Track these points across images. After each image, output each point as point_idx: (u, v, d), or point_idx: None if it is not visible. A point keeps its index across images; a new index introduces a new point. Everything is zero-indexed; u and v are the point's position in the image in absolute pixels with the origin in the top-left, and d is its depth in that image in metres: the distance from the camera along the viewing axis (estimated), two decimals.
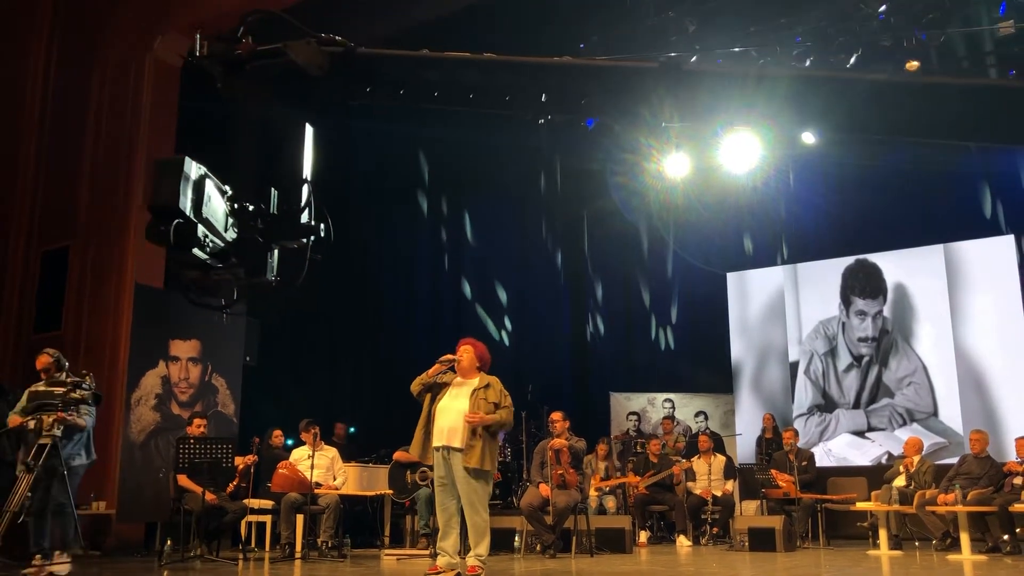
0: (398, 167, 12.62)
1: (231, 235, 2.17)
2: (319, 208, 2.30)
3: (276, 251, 2.27)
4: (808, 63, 10.18)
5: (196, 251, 2.08)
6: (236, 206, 2.20)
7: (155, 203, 2.04)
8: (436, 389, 5.77)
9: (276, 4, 9.08)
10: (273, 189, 2.28)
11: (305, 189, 2.30)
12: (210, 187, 2.10)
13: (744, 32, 10.32)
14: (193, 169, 2.05)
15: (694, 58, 10.26)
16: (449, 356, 5.78)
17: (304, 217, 2.26)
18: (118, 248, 9.12)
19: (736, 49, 10.41)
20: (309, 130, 2.33)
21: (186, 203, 2.03)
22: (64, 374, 6.07)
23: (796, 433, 9.88)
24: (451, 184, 13.37)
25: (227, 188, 2.13)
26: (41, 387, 5.92)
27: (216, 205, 2.14)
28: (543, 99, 2.31)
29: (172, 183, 2.02)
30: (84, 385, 5.84)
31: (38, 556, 5.78)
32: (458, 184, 13.40)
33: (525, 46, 10.47)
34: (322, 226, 2.30)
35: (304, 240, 2.29)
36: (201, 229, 2.08)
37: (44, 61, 10.12)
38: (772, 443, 10.52)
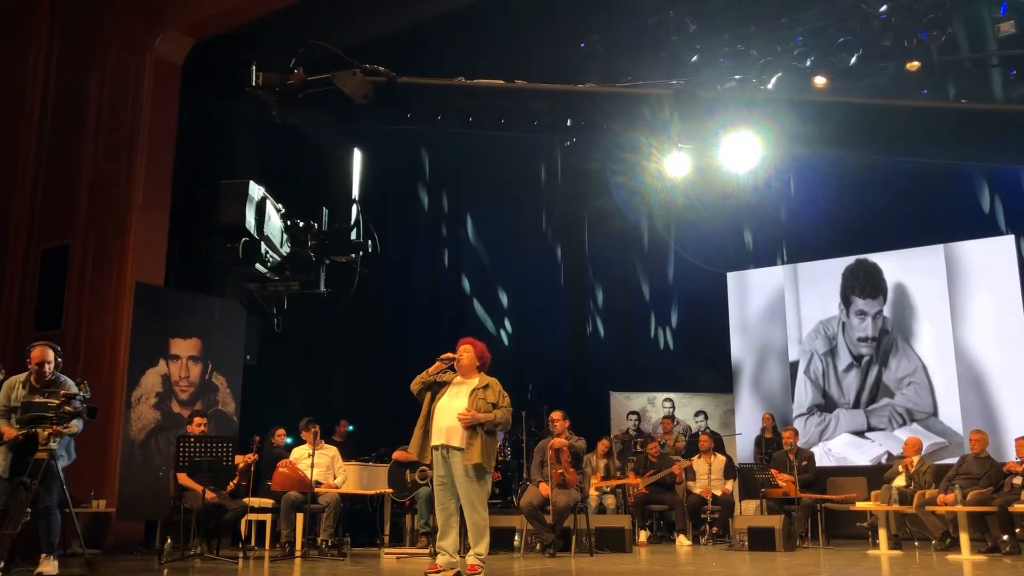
0: (399, 165, 12.62)
1: (285, 250, 2.38)
2: (367, 226, 2.48)
3: (326, 265, 2.48)
4: (808, 63, 10.19)
5: (258, 265, 2.28)
6: (289, 223, 2.39)
7: (223, 223, 2.21)
8: (436, 388, 5.77)
9: (278, 3, 9.10)
10: (324, 208, 2.47)
11: (354, 209, 2.49)
12: (269, 207, 2.30)
13: (745, 32, 10.33)
14: (256, 191, 2.23)
15: (695, 58, 10.26)
16: (449, 355, 5.79)
17: (353, 235, 2.47)
18: (118, 246, 9.13)
19: (738, 48, 10.44)
20: (357, 154, 2.50)
21: (250, 223, 2.22)
22: (53, 369, 5.98)
23: (796, 433, 9.88)
24: (452, 182, 13.37)
25: (280, 206, 2.33)
26: (37, 397, 5.76)
27: (274, 223, 2.34)
28: (568, 123, 2.49)
29: (238, 205, 2.21)
30: (79, 398, 5.78)
31: (43, 555, 5.79)
32: (458, 183, 13.40)
33: (524, 45, 10.49)
34: (369, 242, 2.51)
35: (353, 255, 2.51)
36: (263, 246, 2.27)
37: (44, 59, 10.12)
38: (772, 443, 10.52)
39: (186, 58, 9.73)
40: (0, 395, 6.00)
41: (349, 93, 2.45)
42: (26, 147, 9.92)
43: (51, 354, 5.96)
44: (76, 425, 5.90)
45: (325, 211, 2.47)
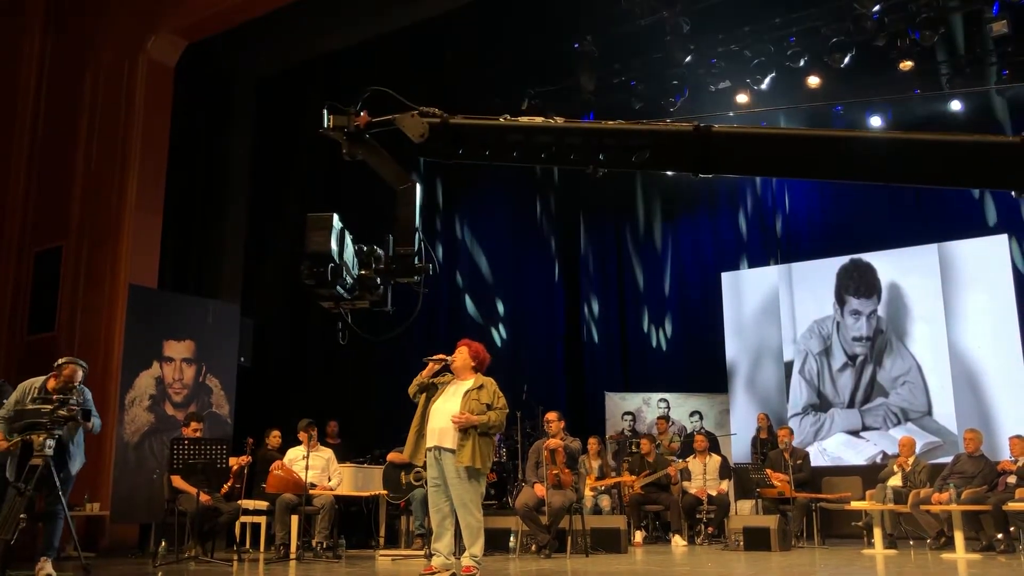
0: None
1: (356, 272, 2.77)
2: (427, 251, 2.91)
3: (391, 286, 2.89)
4: (802, 63, 10.22)
5: (338, 287, 2.68)
6: (356, 248, 2.80)
7: (311, 250, 2.57)
8: (432, 390, 5.76)
9: (271, 5, 9.08)
10: (390, 236, 2.88)
11: (417, 237, 2.90)
12: (346, 235, 2.71)
13: (738, 32, 10.36)
14: (336, 222, 2.63)
15: (688, 58, 10.27)
16: (441, 355, 5.77)
17: (416, 260, 2.88)
18: (111, 248, 9.10)
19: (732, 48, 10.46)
20: (418, 187, 2.94)
21: (334, 250, 2.60)
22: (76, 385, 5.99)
23: (791, 432, 9.90)
24: (446, 179, 13.33)
25: (351, 236, 2.76)
26: (29, 405, 5.75)
27: (349, 250, 2.74)
28: (602, 158, 2.76)
29: (325, 234, 2.59)
30: (72, 401, 5.75)
31: (43, 558, 5.76)
32: (454, 180, 13.36)
33: (521, 44, 10.47)
34: (430, 266, 2.90)
35: (416, 278, 2.89)
36: (343, 270, 2.67)
37: (37, 60, 10.09)
38: (767, 443, 10.53)
39: (179, 59, 9.70)
40: (13, 396, 6.00)
41: (409, 133, 2.79)
42: (19, 149, 9.89)
43: (80, 374, 6.01)
44: (95, 423, 5.95)
45: (390, 238, 2.88)
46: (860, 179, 2.95)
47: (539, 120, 2.81)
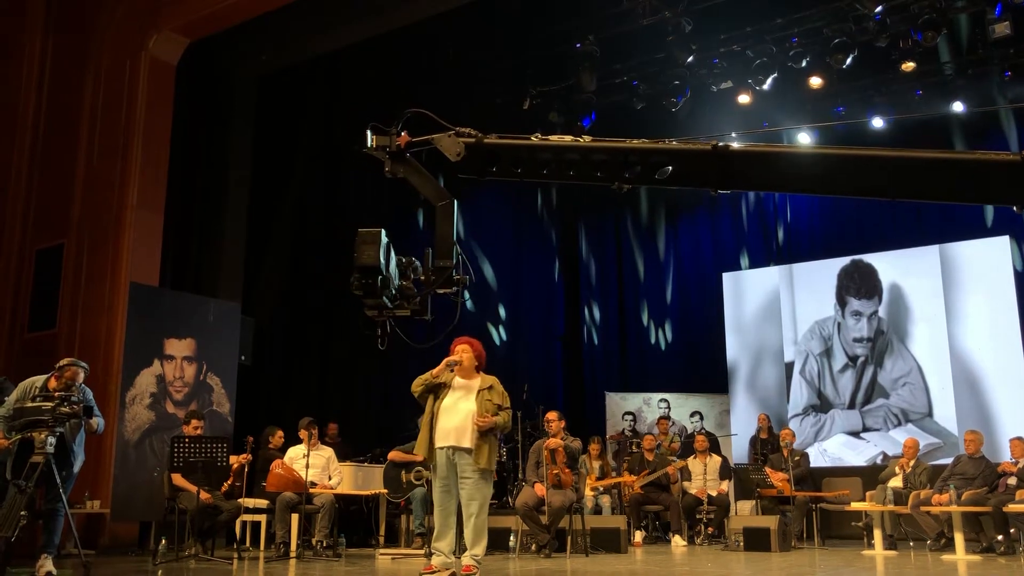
0: None
1: (397, 283, 2.95)
2: (465, 263, 3.08)
3: (431, 296, 3.06)
4: (804, 64, 10.22)
5: (384, 297, 2.86)
6: (397, 260, 2.98)
7: (362, 263, 2.77)
8: (437, 389, 5.77)
9: (272, 4, 9.08)
10: (430, 249, 3.05)
11: (456, 250, 3.06)
12: (392, 250, 2.90)
13: (740, 32, 10.36)
14: (384, 237, 2.82)
15: (690, 58, 10.26)
16: (453, 358, 5.77)
17: (455, 273, 3.04)
18: (113, 246, 9.09)
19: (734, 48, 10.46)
20: (455, 204, 3.12)
21: (381, 262, 2.79)
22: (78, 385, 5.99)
23: (792, 433, 9.90)
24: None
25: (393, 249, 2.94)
26: (28, 403, 5.73)
27: (393, 262, 2.92)
28: (627, 175, 2.87)
29: (374, 248, 2.78)
30: (73, 399, 5.75)
31: (44, 555, 5.76)
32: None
33: (521, 44, 10.45)
34: (468, 277, 3.07)
35: (455, 288, 3.06)
36: (389, 281, 2.86)
37: (39, 58, 10.08)
38: (767, 443, 10.53)
39: (180, 58, 9.69)
40: (13, 395, 6.00)
41: (446, 153, 2.96)
42: (20, 147, 9.88)
43: (81, 376, 6.02)
44: (97, 423, 5.96)
45: (430, 251, 3.05)
46: (871, 196, 3.03)
47: (568, 139, 2.92)
